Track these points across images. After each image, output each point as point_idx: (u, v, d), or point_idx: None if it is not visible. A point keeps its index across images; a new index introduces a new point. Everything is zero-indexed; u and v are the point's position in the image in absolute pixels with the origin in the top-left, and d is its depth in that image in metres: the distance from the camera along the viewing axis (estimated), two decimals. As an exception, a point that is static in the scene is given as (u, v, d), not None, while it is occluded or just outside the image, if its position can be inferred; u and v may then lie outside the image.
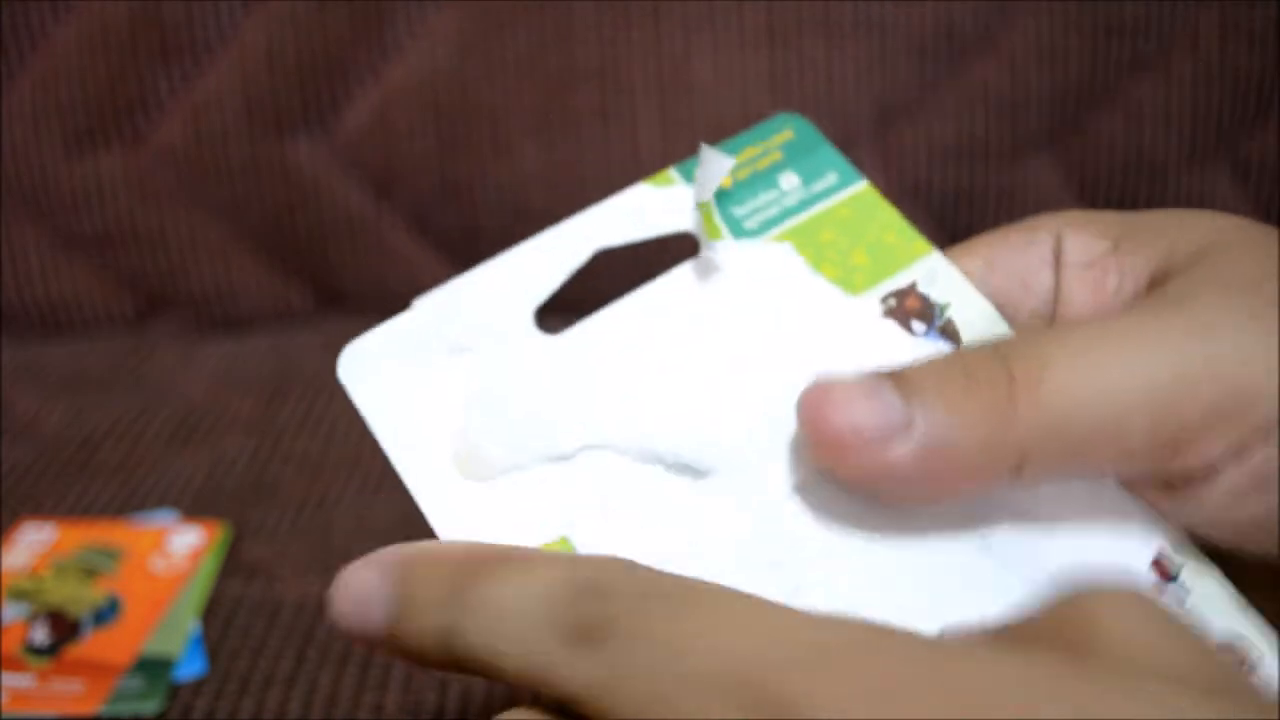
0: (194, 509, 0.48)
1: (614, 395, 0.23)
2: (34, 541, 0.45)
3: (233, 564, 0.44)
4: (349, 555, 0.50)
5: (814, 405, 0.19)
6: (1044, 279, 0.23)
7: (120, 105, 0.61)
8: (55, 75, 0.60)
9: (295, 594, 0.43)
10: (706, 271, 0.24)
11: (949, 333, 0.24)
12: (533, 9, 0.60)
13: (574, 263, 0.24)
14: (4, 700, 0.37)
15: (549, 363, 0.23)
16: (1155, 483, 0.21)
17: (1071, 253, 0.23)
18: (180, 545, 0.45)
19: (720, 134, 0.26)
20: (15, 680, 0.38)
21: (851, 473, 0.19)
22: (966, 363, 0.19)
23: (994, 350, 0.20)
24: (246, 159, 0.62)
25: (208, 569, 0.44)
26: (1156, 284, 0.21)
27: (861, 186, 0.26)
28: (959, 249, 0.25)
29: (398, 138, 0.62)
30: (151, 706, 0.38)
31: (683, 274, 0.25)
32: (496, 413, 0.23)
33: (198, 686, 0.39)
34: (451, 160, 0.62)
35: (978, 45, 0.60)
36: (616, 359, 0.23)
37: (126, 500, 0.49)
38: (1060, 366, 0.19)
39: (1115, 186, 0.62)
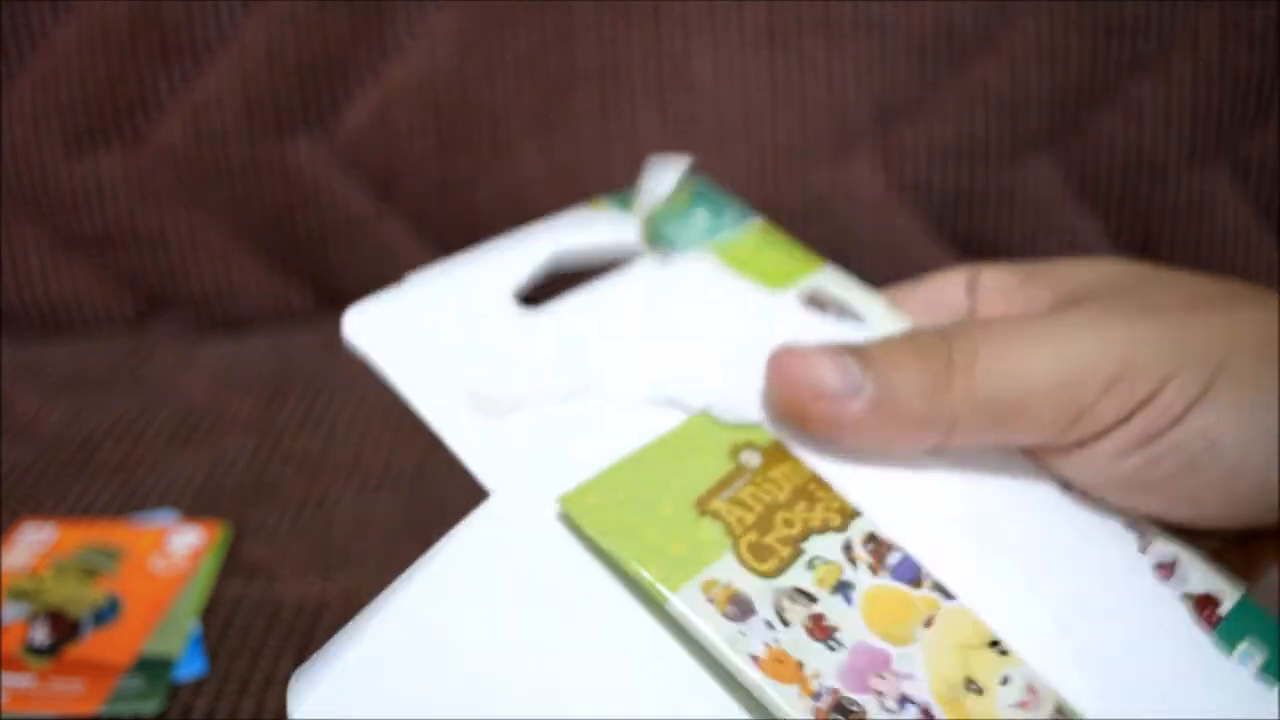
0: (194, 509, 0.48)
1: (597, 355, 0.26)
2: (34, 541, 0.45)
3: (233, 564, 0.44)
4: (349, 555, 0.50)
5: (784, 365, 0.24)
6: (958, 300, 0.28)
7: (120, 105, 0.61)
8: (55, 75, 0.60)
9: (295, 594, 0.43)
10: (650, 271, 0.29)
11: (856, 319, 0.28)
12: (533, 9, 0.60)
13: (541, 258, 0.28)
14: (4, 700, 0.37)
15: (531, 328, 0.26)
16: (1052, 446, 0.25)
17: (986, 282, 0.28)
18: (180, 545, 0.45)
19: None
20: (15, 680, 0.38)
21: (813, 423, 0.24)
22: (917, 343, 0.24)
23: (939, 336, 0.24)
24: (246, 159, 0.62)
25: (208, 569, 0.44)
26: (1059, 303, 0.26)
27: (758, 221, 0.31)
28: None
29: (398, 138, 0.62)
30: (151, 706, 0.38)
31: (631, 272, 0.29)
32: (496, 365, 0.25)
33: (198, 686, 0.39)
34: (451, 160, 0.62)
35: (978, 45, 0.60)
36: (593, 329, 0.27)
37: (126, 500, 0.49)
38: (990, 356, 0.24)
39: (1115, 186, 0.62)
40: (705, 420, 0.25)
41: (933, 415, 0.23)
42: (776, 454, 0.24)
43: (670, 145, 0.61)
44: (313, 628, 0.41)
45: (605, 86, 0.61)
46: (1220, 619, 0.24)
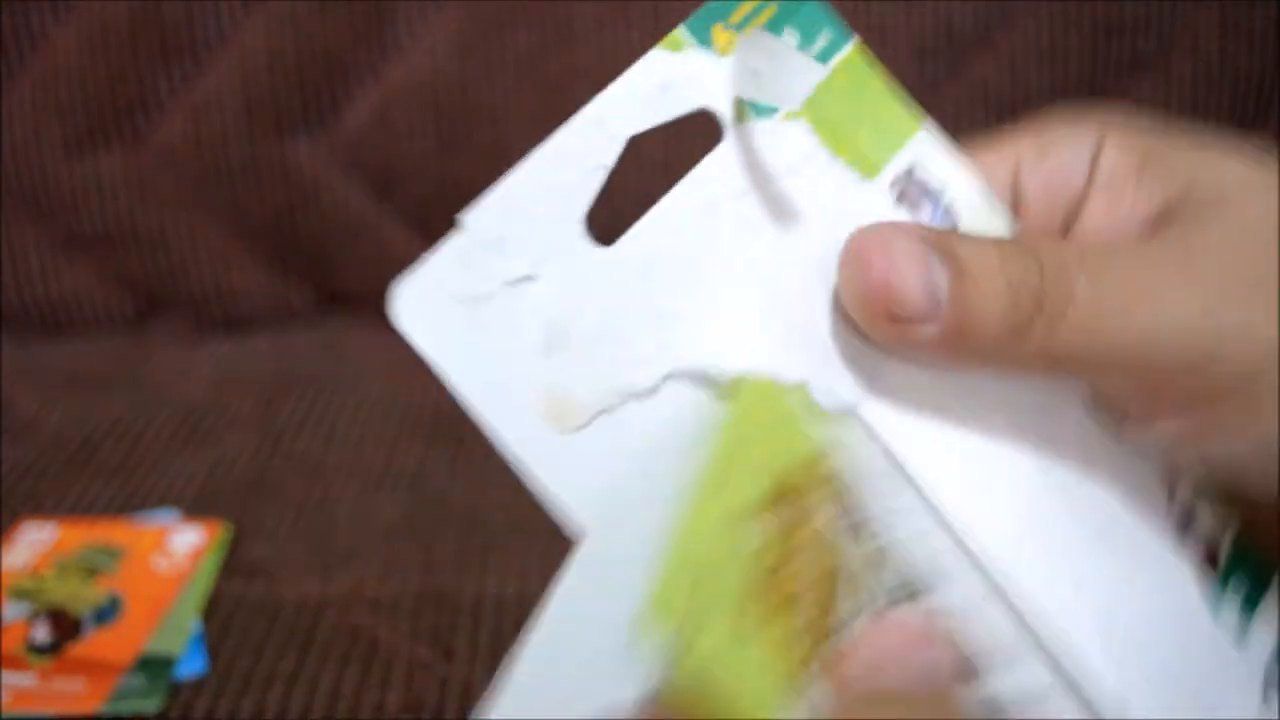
0: (194, 508, 0.48)
1: (682, 314, 0.22)
2: (35, 541, 0.45)
3: (233, 563, 0.44)
4: (349, 555, 0.50)
5: (863, 257, 0.21)
6: (1079, 177, 0.25)
7: (120, 105, 0.61)
8: (55, 75, 0.60)
9: (295, 593, 0.43)
10: (735, 170, 0.24)
11: (951, 214, 0.25)
12: (533, 9, 0.60)
13: (611, 157, 0.23)
14: (6, 699, 0.37)
15: (611, 281, 0.22)
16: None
17: (1106, 161, 0.25)
18: (181, 544, 0.45)
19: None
20: (17, 679, 0.38)
21: (878, 334, 0.22)
22: (1009, 266, 0.22)
23: (1034, 266, 0.22)
24: (246, 159, 0.62)
25: (208, 568, 0.44)
26: (1170, 211, 0.24)
27: (851, 47, 0.26)
28: (990, 144, 0.26)
29: (398, 138, 0.62)
30: (153, 705, 0.38)
31: (714, 166, 0.24)
32: (574, 350, 0.21)
33: (199, 685, 0.39)
34: (451, 160, 0.62)
35: (978, 45, 0.60)
36: (672, 270, 0.23)
37: (127, 500, 0.49)
38: (1080, 311, 0.21)
39: (1115, 186, 0.62)
40: (801, 394, 0.22)
41: (1003, 353, 0.22)
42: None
43: (669, 144, 0.61)
44: (313, 627, 0.41)
45: (605, 86, 0.61)
46: (1222, 560, 0.24)
